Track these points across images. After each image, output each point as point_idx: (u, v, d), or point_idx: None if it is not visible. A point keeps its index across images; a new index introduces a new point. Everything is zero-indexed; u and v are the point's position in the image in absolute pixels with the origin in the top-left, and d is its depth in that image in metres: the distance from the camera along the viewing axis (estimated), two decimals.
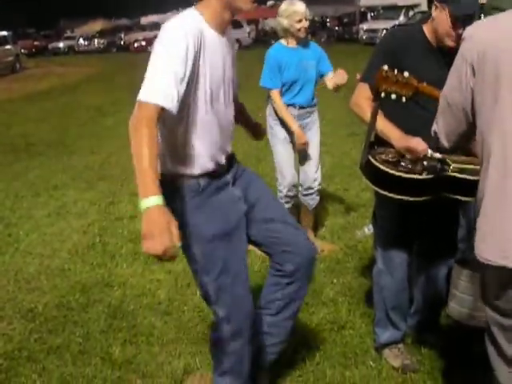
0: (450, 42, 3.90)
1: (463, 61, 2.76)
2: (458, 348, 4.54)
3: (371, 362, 4.50)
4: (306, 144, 6.40)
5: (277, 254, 3.73)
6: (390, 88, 3.61)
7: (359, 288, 5.60)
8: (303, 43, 6.46)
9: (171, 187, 3.34)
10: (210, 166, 3.45)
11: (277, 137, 6.48)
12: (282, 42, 6.45)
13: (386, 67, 3.58)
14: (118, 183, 9.76)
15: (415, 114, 3.88)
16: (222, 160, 3.53)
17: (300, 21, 6.21)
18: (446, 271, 4.52)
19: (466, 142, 3.14)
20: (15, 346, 4.93)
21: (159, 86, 3.05)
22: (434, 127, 3.03)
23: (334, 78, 6.22)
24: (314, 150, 6.61)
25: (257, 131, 4.17)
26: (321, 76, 6.54)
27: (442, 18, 3.90)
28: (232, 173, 3.63)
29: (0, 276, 6.35)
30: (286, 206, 6.53)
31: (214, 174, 3.48)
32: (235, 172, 3.66)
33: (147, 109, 3.01)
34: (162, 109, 3.03)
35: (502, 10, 4.66)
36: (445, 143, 3.02)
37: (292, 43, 6.39)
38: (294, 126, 6.34)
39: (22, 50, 41.19)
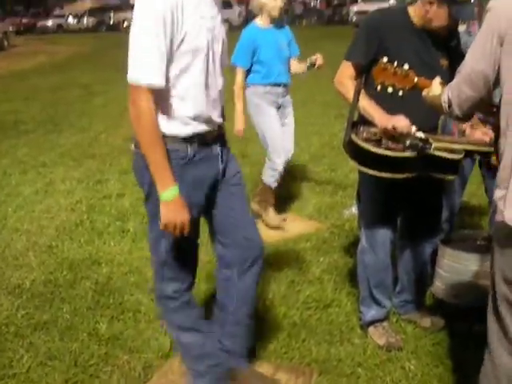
0: (440, 32, 3.98)
1: (489, 29, 2.78)
2: (443, 327, 4.59)
3: (356, 340, 4.54)
4: (240, 132, 6.62)
5: (224, 245, 3.77)
6: (387, 80, 3.60)
7: (345, 266, 5.64)
8: (278, 24, 6.56)
9: None
10: (200, 127, 3.43)
11: (267, 113, 6.54)
12: (257, 21, 6.56)
13: (385, 59, 3.57)
14: (106, 161, 9.72)
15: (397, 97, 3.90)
16: (212, 125, 3.51)
17: None
18: (430, 250, 4.58)
19: (478, 110, 3.19)
20: (2, 321, 4.94)
21: (146, 65, 3.14)
22: (448, 95, 3.04)
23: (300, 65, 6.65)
24: (291, 127, 6.82)
25: None
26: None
27: (439, 13, 3.93)
28: (220, 145, 3.61)
29: None
30: (275, 183, 6.71)
31: (204, 139, 3.47)
32: (223, 145, 3.65)
33: (141, 91, 3.16)
34: (155, 86, 3.16)
35: None
36: (457, 111, 3.03)
37: (266, 22, 6.49)
38: (241, 116, 6.58)
39: (11, 28, 40.87)
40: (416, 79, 3.52)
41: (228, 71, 3.79)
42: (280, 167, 6.64)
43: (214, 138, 3.54)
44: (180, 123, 3.37)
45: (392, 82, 3.58)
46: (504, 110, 2.82)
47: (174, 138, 3.37)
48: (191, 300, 3.82)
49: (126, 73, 3.20)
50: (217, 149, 3.57)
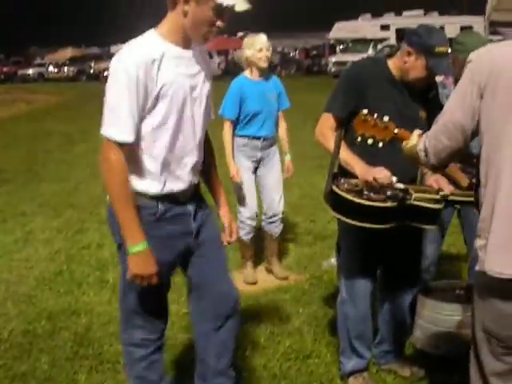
0: (421, 84, 4.07)
1: (469, 81, 2.85)
2: (423, 377, 4.59)
3: None
4: (234, 177, 6.56)
5: (198, 301, 3.77)
6: (367, 132, 3.64)
7: (325, 317, 5.63)
8: (265, 76, 6.63)
9: None
10: (171, 186, 3.47)
11: (240, 165, 6.57)
12: (246, 74, 6.61)
13: (365, 111, 3.60)
14: (86, 211, 9.73)
15: (377, 149, 3.95)
16: (184, 183, 3.54)
17: (261, 50, 6.38)
18: (409, 301, 4.59)
19: (455, 160, 3.24)
20: None
21: (116, 122, 3.25)
22: (425, 145, 3.09)
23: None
24: (276, 179, 6.77)
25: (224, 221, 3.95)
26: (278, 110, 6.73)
27: (416, 65, 4.04)
28: (194, 204, 3.64)
29: None
30: (248, 236, 6.66)
31: (175, 198, 3.50)
32: (198, 204, 3.68)
33: (112, 147, 3.24)
34: (125, 142, 3.25)
35: (465, 44, 4.86)
36: (433, 160, 3.07)
37: (255, 75, 6.54)
38: (231, 162, 6.52)
39: None
40: (396, 131, 3.56)
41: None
42: (248, 221, 6.64)
43: (186, 196, 3.57)
44: (150, 180, 3.42)
45: (372, 133, 3.62)
46: (483, 163, 2.87)
47: (145, 195, 3.42)
48: (159, 353, 3.81)
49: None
50: (190, 208, 3.60)
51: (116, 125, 3.25)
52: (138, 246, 3.28)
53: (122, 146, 3.25)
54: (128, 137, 3.26)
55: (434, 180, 4.10)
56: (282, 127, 6.84)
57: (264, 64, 6.46)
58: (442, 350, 4.51)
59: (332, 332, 5.16)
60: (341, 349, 4.63)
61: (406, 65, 4.06)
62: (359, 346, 4.51)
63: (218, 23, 3.33)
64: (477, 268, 2.90)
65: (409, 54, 4.05)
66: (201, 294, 3.73)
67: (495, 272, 2.78)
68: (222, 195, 3.90)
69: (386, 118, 3.59)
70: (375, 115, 3.60)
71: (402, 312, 4.61)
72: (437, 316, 4.50)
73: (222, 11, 3.29)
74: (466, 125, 2.88)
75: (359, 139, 3.77)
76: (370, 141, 3.66)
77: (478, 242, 2.90)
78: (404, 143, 3.36)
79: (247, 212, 6.63)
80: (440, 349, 4.52)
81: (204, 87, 3.54)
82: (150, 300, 3.59)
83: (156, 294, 3.60)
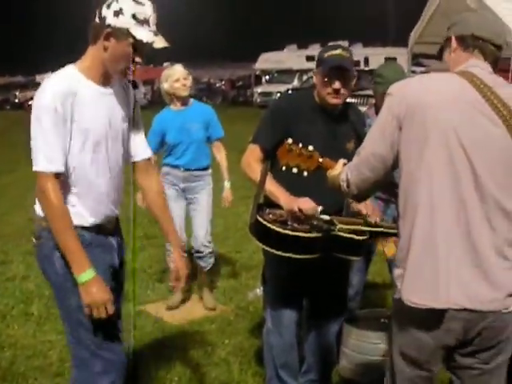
0: (331, 100, 4.12)
1: (389, 113, 2.91)
2: None
3: None
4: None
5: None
6: (292, 161, 3.62)
7: (251, 348, 5.63)
8: (190, 105, 6.66)
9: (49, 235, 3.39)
10: (89, 220, 3.48)
11: (166, 193, 6.53)
12: (171, 106, 6.66)
13: (290, 140, 3.59)
14: (10, 242, 9.56)
15: (307, 175, 3.99)
16: (103, 216, 3.54)
17: (178, 80, 6.44)
18: (336, 329, 4.61)
19: (376, 191, 3.29)
20: None
21: (47, 154, 3.26)
22: (347, 176, 3.13)
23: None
24: (202, 214, 6.75)
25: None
26: (209, 140, 6.75)
27: (318, 80, 4.14)
28: (117, 239, 3.68)
29: None
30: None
31: (99, 229, 3.52)
32: (119, 240, 3.71)
33: (46, 179, 3.25)
34: (57, 173, 3.27)
35: (384, 76, 4.97)
36: (355, 191, 3.12)
37: (178, 105, 6.58)
38: None
39: None
40: (321, 160, 3.58)
41: None
42: (169, 247, 6.60)
43: (108, 230, 3.59)
44: (74, 212, 3.40)
45: (297, 162, 3.62)
46: (401, 195, 2.93)
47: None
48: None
49: (31, 153, 3.31)
50: (113, 240, 3.62)
51: (46, 157, 3.26)
52: (87, 273, 3.26)
53: (56, 176, 3.27)
54: (60, 166, 3.28)
55: (363, 205, 4.15)
56: (221, 156, 6.81)
57: (183, 92, 6.51)
58: (368, 378, 4.54)
59: (258, 362, 5.16)
60: (267, 378, 4.64)
61: (317, 88, 4.15)
62: (285, 376, 4.51)
63: (137, 59, 3.38)
64: (395, 296, 2.96)
65: (315, 74, 4.20)
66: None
67: (411, 302, 2.85)
68: (171, 235, 3.85)
69: (310, 148, 3.61)
70: (300, 145, 3.62)
71: (328, 341, 4.63)
72: (362, 344, 4.55)
73: (140, 47, 3.35)
74: (386, 156, 2.94)
75: (284, 168, 3.78)
76: (294, 169, 3.67)
77: (396, 272, 2.97)
78: (328, 172, 3.40)
79: None
80: (366, 377, 4.56)
81: (121, 125, 3.58)
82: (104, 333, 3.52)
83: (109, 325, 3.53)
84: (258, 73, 49.52)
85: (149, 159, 3.85)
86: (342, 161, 3.38)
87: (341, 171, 3.22)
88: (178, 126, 6.50)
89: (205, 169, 6.73)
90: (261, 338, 4.69)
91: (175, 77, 6.41)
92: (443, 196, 2.80)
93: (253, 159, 4.25)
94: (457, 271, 2.80)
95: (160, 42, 3.36)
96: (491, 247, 2.82)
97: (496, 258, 2.83)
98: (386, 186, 3.23)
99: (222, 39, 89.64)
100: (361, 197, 3.29)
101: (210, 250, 6.78)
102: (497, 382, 3.05)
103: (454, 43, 3.00)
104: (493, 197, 2.80)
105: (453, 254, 2.80)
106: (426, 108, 2.81)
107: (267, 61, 48.64)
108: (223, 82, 54.50)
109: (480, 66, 2.92)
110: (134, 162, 3.79)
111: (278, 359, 4.49)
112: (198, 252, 6.75)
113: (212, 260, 6.84)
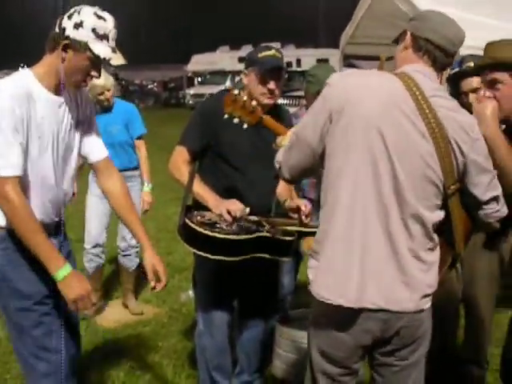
0: (265, 100, 4.09)
1: (324, 104, 2.89)
2: None
3: None
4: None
5: None
6: (235, 112, 3.55)
7: (184, 350, 5.63)
8: (110, 109, 6.61)
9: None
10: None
11: (91, 193, 6.57)
12: None
13: (236, 91, 3.55)
14: None
15: (234, 177, 3.99)
16: (47, 220, 3.51)
17: (102, 93, 6.39)
18: (267, 330, 4.62)
19: (307, 176, 3.27)
20: None
21: (7, 158, 3.21)
22: (278, 158, 3.13)
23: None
24: None
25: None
26: (132, 139, 6.71)
27: (251, 80, 4.12)
28: (59, 241, 3.63)
29: None
30: (92, 265, 6.62)
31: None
32: (62, 242, 3.67)
33: (6, 183, 3.20)
34: (16, 176, 3.23)
35: (316, 77, 4.99)
36: (286, 175, 3.12)
37: (98, 110, 6.45)
38: None
39: None
40: (264, 117, 3.52)
41: None
42: (87, 247, 6.61)
43: (50, 230, 3.53)
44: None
45: (239, 114, 3.56)
46: (324, 188, 2.94)
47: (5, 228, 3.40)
48: None
49: None
50: (53, 241, 3.54)
51: (7, 161, 3.21)
52: (63, 269, 3.24)
53: (16, 179, 3.23)
54: (20, 170, 3.24)
55: (304, 204, 4.13)
56: (141, 156, 6.75)
57: (106, 103, 6.50)
58: (301, 377, 4.54)
59: (192, 364, 5.15)
60: (200, 381, 4.63)
61: (247, 88, 4.16)
62: (218, 377, 4.51)
63: (93, 73, 3.38)
64: (309, 288, 2.97)
65: (245, 76, 4.20)
66: None
67: (320, 296, 2.89)
68: (141, 236, 3.78)
69: (254, 103, 3.55)
70: (245, 97, 3.56)
71: (260, 342, 4.63)
72: (294, 344, 4.56)
73: (97, 62, 3.34)
74: (315, 145, 2.92)
75: (226, 116, 3.59)
76: (236, 120, 3.60)
77: (311, 263, 2.98)
78: (279, 142, 3.37)
79: (89, 240, 6.61)
80: (299, 376, 4.57)
81: (70, 133, 3.56)
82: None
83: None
84: (190, 74, 49.38)
85: (107, 159, 3.81)
86: (293, 129, 3.31)
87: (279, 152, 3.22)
88: (101, 129, 6.41)
89: (133, 169, 6.68)
90: (194, 339, 4.67)
91: (99, 90, 6.34)
92: (365, 195, 2.80)
93: (180, 161, 4.23)
94: (375, 271, 2.82)
95: (117, 59, 3.36)
96: (408, 250, 2.84)
97: (413, 260, 2.85)
98: (317, 173, 3.20)
99: (155, 41, 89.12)
100: (292, 180, 3.28)
101: (137, 250, 6.74)
102: (417, 375, 3.09)
103: (408, 40, 2.96)
104: (410, 204, 2.80)
105: (371, 253, 2.82)
106: (357, 105, 2.80)
107: (199, 62, 48.56)
108: (155, 84, 54.18)
109: (424, 73, 2.89)
110: (91, 164, 3.78)
111: (210, 361, 4.49)
112: (124, 252, 6.74)
113: (137, 260, 6.78)
